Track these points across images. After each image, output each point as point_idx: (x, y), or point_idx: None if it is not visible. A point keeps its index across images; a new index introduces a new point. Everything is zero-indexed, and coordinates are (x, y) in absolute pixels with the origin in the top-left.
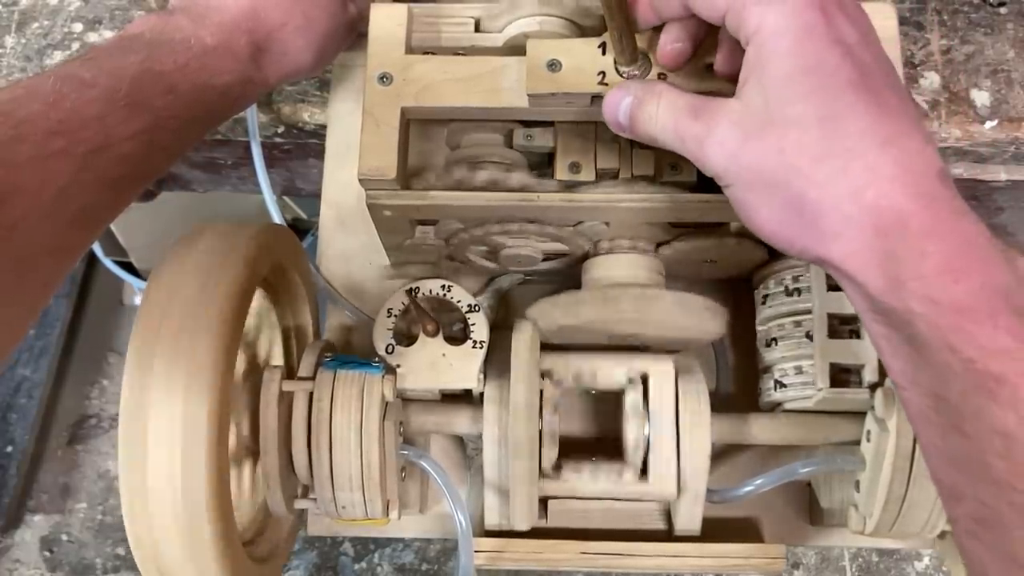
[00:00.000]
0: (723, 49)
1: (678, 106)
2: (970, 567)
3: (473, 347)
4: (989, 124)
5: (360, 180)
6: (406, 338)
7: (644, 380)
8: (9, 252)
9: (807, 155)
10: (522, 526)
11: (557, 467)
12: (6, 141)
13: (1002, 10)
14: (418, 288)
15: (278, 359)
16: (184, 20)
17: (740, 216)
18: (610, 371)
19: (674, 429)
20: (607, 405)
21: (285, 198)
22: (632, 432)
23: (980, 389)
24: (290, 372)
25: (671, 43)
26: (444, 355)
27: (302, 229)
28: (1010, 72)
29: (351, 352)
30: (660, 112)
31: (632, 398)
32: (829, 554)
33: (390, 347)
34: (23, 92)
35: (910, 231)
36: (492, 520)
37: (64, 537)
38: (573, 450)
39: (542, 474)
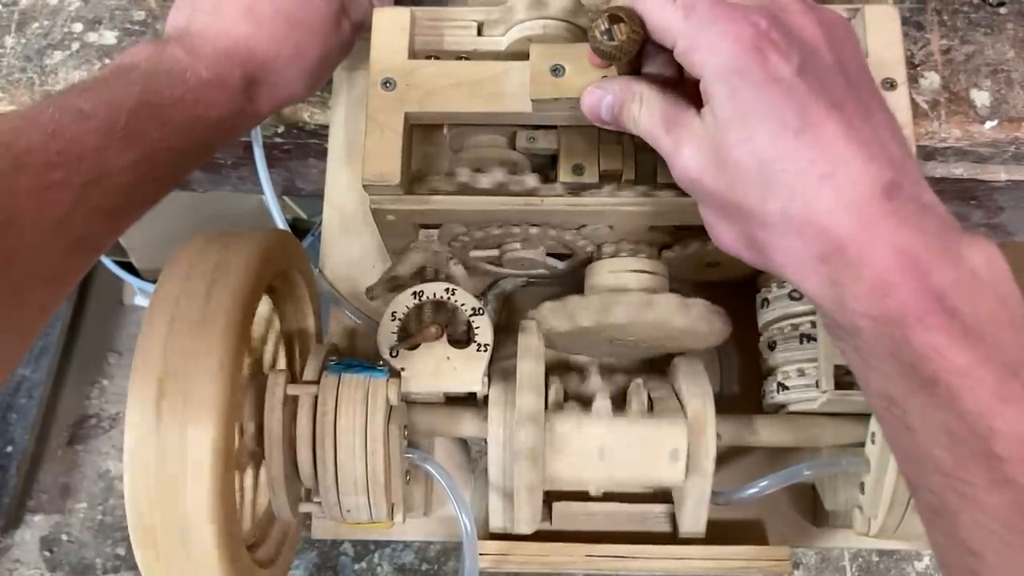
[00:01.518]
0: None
1: (655, 114)
2: (934, 552)
3: (477, 350)
4: (989, 124)
5: (364, 185)
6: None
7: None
8: (7, 281)
9: (752, 197)
10: (526, 530)
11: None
12: (6, 171)
13: (1002, 10)
14: (423, 291)
15: (281, 363)
16: (180, 51)
17: (708, 232)
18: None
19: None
20: None
21: (285, 198)
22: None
23: (920, 391)
24: (293, 376)
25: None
26: (448, 358)
27: (302, 229)
28: (1010, 72)
29: (354, 355)
30: (641, 116)
31: None
32: (829, 554)
33: (394, 350)
34: (23, 123)
35: (846, 258)
36: (496, 523)
37: (64, 537)
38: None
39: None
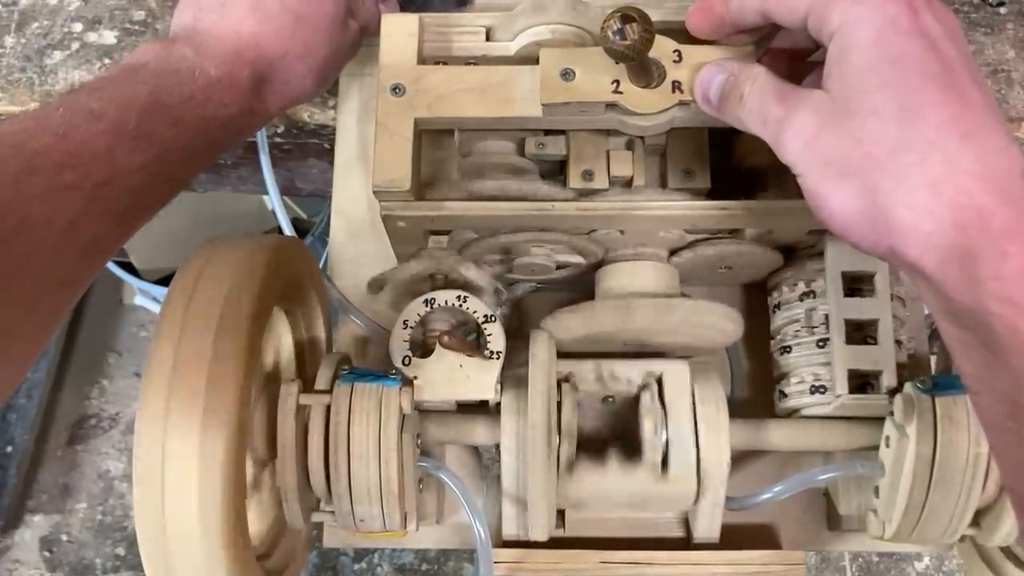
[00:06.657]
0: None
1: (768, 90)
2: None
3: (490, 358)
4: None
5: (375, 192)
6: (422, 349)
7: (659, 381)
8: (20, 285)
9: (884, 146)
10: (540, 536)
11: (572, 465)
12: (19, 173)
13: (1002, 10)
14: (435, 299)
15: (292, 372)
16: (187, 50)
17: (811, 207)
18: (625, 373)
19: (692, 424)
20: (623, 411)
21: (284, 198)
22: (648, 429)
23: None
24: (304, 384)
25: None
26: (461, 366)
27: (302, 229)
28: (1010, 72)
29: (364, 364)
30: (751, 94)
31: (647, 396)
32: (829, 554)
33: (406, 359)
34: (33, 124)
35: (990, 229)
36: (510, 530)
37: (64, 537)
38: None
39: (558, 472)
